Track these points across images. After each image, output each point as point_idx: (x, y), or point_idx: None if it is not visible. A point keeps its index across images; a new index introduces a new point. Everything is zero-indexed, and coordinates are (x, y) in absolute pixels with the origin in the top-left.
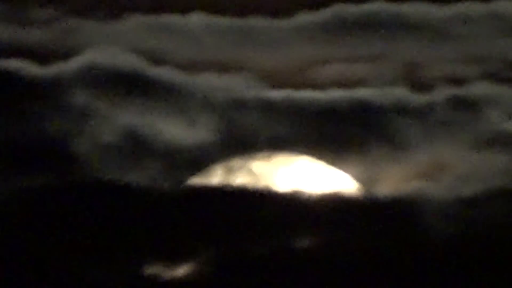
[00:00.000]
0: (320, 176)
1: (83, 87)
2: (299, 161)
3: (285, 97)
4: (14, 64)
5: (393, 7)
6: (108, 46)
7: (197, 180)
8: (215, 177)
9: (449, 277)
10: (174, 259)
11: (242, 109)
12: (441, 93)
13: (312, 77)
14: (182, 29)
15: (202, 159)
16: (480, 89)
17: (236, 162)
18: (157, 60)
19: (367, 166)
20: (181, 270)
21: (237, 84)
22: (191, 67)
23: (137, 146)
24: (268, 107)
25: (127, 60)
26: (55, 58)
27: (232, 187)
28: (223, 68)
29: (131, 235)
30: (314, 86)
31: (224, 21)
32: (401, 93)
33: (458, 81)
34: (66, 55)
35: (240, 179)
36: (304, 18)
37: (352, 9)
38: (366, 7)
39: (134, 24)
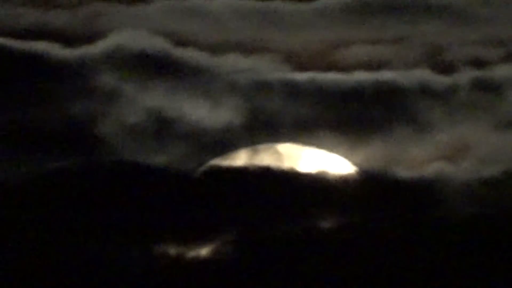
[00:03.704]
0: (344, 157)
1: (109, 70)
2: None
3: (309, 79)
4: (41, 46)
5: None
6: (134, 29)
7: (221, 161)
8: (240, 158)
9: (470, 256)
10: (198, 239)
11: (266, 91)
12: (464, 75)
13: (336, 60)
14: (207, 12)
15: (227, 141)
16: (502, 71)
17: (260, 143)
18: (182, 42)
19: (390, 147)
20: (205, 250)
21: (262, 66)
22: (216, 49)
23: (162, 127)
24: (292, 89)
25: (153, 43)
26: (81, 41)
27: (256, 168)
28: (248, 50)
29: (156, 215)
30: (338, 68)
31: (249, 4)
32: (424, 75)
33: (480, 64)
34: (92, 38)
35: (265, 161)
36: (328, 1)
37: None
38: None
39: (160, 7)
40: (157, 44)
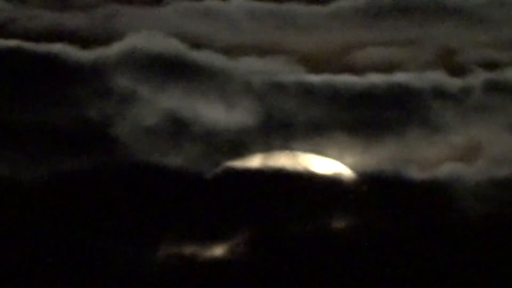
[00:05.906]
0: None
1: (125, 71)
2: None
3: (323, 81)
4: (57, 48)
5: None
6: (149, 31)
7: (236, 162)
8: (254, 159)
9: (483, 257)
10: (212, 239)
11: (281, 93)
12: (477, 77)
13: (350, 61)
14: (222, 14)
15: (241, 142)
16: None
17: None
18: (197, 44)
19: (403, 148)
20: (219, 250)
21: (276, 68)
22: (231, 51)
23: (177, 129)
24: (306, 91)
25: (168, 45)
26: (97, 43)
27: (270, 169)
28: (262, 52)
29: (170, 216)
30: (352, 70)
31: (263, 6)
32: (437, 77)
33: (493, 66)
34: (108, 40)
35: (279, 162)
36: (342, 2)
37: None
38: None
39: (175, 9)
40: (173, 46)
